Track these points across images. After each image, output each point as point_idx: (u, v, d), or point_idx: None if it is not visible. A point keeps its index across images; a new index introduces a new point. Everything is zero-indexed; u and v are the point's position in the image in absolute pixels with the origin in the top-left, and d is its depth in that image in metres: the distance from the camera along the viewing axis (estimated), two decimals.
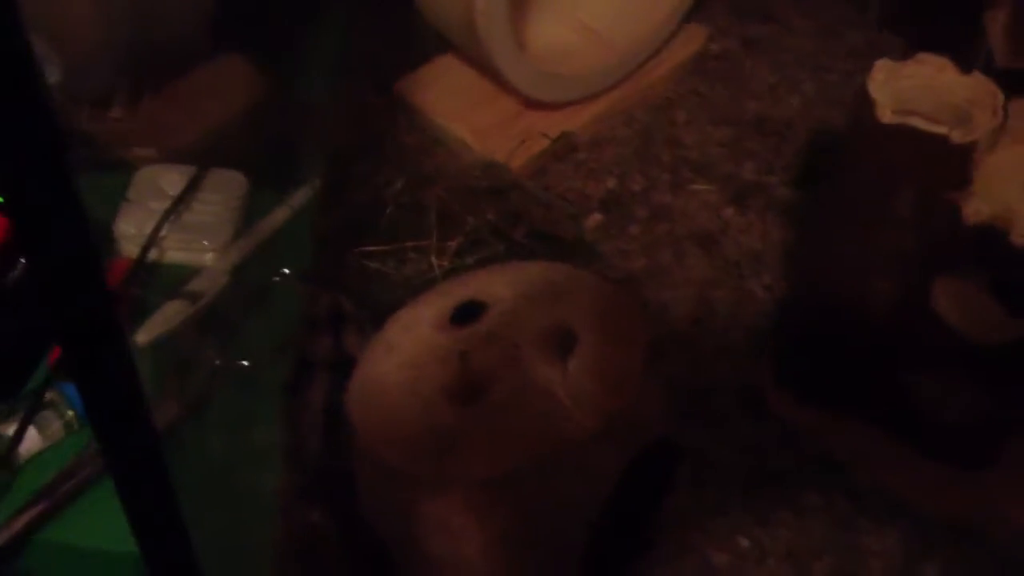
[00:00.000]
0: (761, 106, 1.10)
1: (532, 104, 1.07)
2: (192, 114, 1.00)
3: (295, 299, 0.94)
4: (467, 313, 0.68)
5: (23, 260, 0.93)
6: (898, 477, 0.85)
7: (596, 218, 1.01)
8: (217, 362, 0.89)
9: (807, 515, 0.83)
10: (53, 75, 0.99)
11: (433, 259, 0.89)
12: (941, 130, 0.72)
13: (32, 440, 0.83)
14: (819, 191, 1.02)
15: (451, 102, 1.08)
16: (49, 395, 0.85)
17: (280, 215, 1.00)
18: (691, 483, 0.83)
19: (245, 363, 0.90)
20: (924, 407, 0.84)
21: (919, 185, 0.75)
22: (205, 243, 0.97)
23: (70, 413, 0.85)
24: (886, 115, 0.72)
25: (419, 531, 0.64)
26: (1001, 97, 0.75)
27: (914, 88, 0.76)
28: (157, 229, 0.96)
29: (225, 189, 1.00)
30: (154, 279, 0.95)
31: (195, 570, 0.49)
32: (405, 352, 0.67)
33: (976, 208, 0.73)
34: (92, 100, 1.00)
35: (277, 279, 0.96)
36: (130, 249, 0.95)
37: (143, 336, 0.89)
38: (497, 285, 0.69)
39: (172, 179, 0.99)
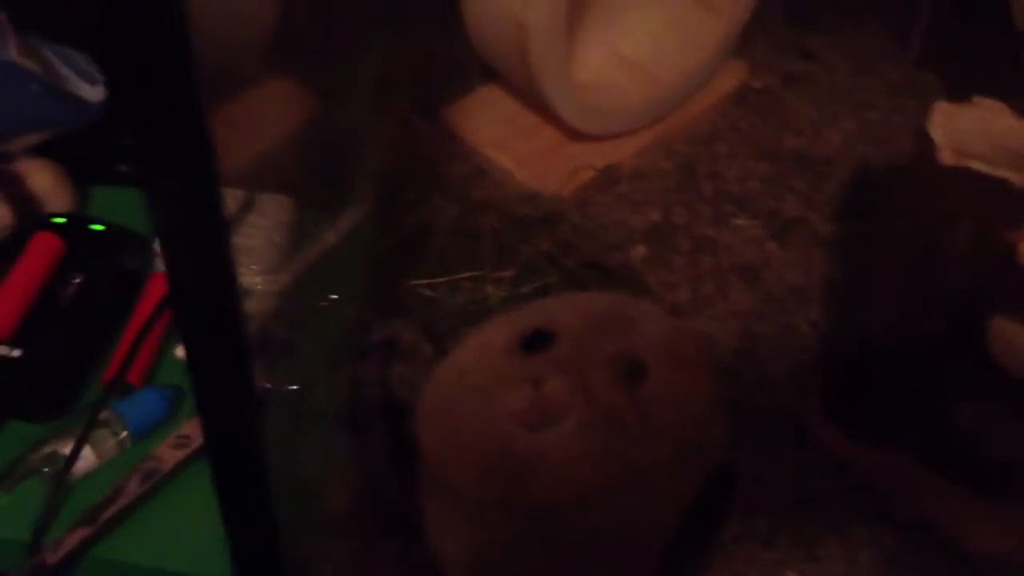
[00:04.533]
0: (801, 142, 1.11)
1: (575, 136, 1.08)
2: (242, 138, 1.01)
3: (344, 323, 0.94)
4: (536, 341, 0.69)
5: (77, 279, 0.93)
6: (944, 512, 0.85)
7: (640, 250, 1.02)
8: (267, 385, 0.90)
9: (854, 548, 0.84)
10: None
11: (489, 288, 0.90)
12: (1001, 173, 0.73)
13: (86, 459, 0.83)
14: (867, 228, 1.03)
15: (496, 131, 1.09)
16: (103, 414, 0.85)
17: (327, 239, 1.01)
18: (741, 512, 0.83)
19: (295, 387, 0.90)
20: (971, 443, 0.84)
21: (975, 224, 0.76)
22: (253, 266, 0.97)
23: (123, 433, 0.85)
24: (947, 157, 0.74)
25: (488, 555, 0.65)
26: None
27: (971, 131, 0.78)
28: None
29: (272, 213, 1.00)
30: None
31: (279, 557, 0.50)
32: (476, 377, 0.67)
33: None
34: None
35: (325, 303, 0.97)
36: None
37: None
38: (565, 314, 0.70)
39: None
